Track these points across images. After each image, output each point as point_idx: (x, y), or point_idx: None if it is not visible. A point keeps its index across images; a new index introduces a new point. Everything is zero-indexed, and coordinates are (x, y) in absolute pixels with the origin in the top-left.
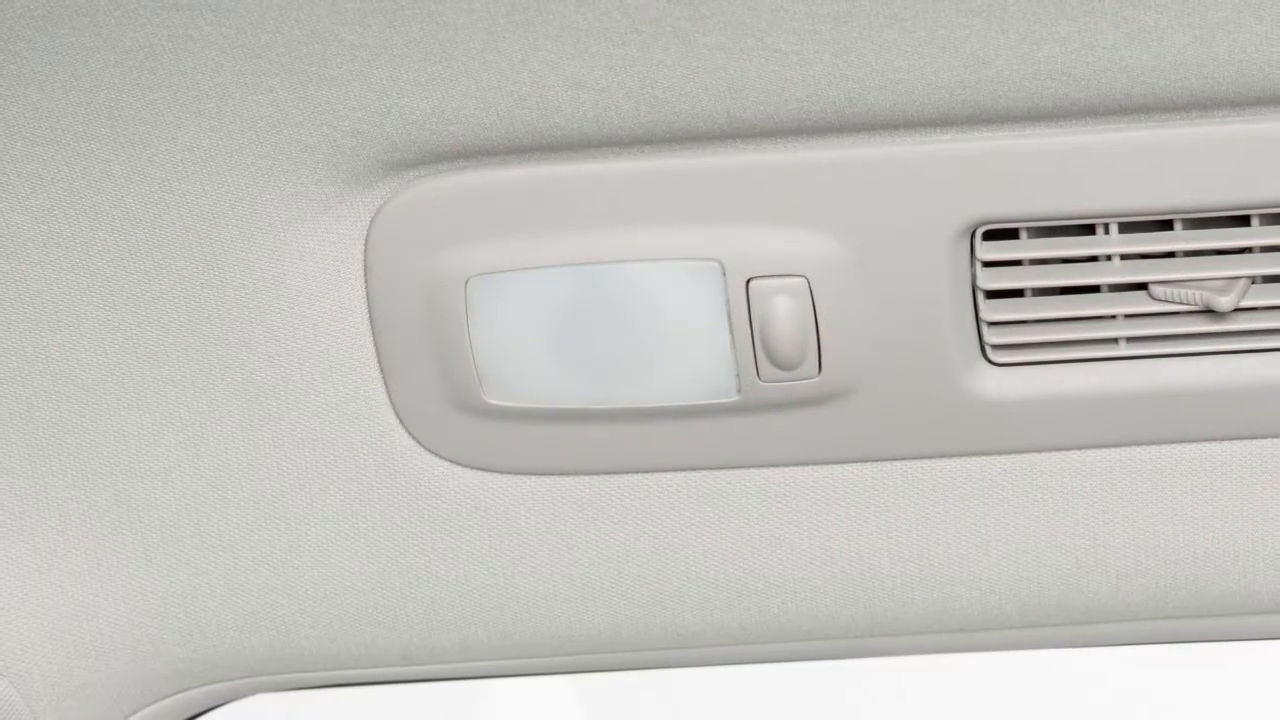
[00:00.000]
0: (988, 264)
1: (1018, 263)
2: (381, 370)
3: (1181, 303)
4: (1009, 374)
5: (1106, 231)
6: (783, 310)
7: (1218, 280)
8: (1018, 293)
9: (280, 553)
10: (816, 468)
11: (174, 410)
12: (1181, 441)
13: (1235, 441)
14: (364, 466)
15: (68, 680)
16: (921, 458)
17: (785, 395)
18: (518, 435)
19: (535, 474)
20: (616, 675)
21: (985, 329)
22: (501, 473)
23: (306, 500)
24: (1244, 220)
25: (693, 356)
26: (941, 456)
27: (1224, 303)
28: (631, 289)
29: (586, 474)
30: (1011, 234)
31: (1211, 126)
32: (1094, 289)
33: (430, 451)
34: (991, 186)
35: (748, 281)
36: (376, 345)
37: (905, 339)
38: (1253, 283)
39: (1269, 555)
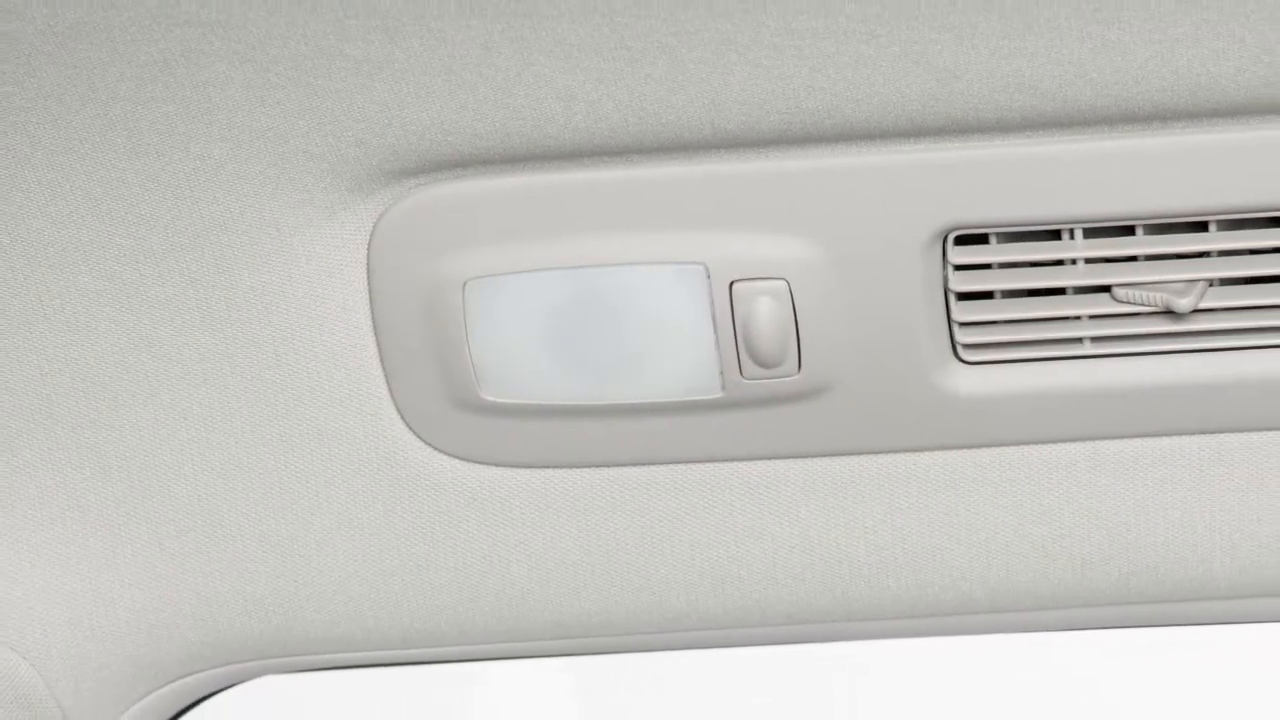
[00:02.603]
0: (959, 267)
1: (987, 266)
2: (383, 368)
3: (1143, 304)
4: (979, 372)
5: (1072, 236)
6: (764, 311)
7: (1177, 283)
8: (987, 295)
9: (287, 542)
10: (796, 461)
11: (186, 407)
12: (1142, 436)
13: (1193, 436)
14: (367, 460)
15: (85, 662)
16: (896, 451)
17: (767, 392)
18: (513, 430)
19: (530, 467)
20: (607, 657)
21: (956, 329)
22: (498, 466)
23: (312, 492)
24: (1202, 226)
25: (679, 355)
26: (915, 450)
27: (1183, 304)
28: (621, 291)
29: (578, 467)
30: (981, 239)
31: (1171, 136)
32: (1060, 291)
33: (430, 446)
34: (963, 194)
35: (731, 284)
36: (379, 344)
37: (881, 339)
38: (1210, 285)
39: (1225, 544)
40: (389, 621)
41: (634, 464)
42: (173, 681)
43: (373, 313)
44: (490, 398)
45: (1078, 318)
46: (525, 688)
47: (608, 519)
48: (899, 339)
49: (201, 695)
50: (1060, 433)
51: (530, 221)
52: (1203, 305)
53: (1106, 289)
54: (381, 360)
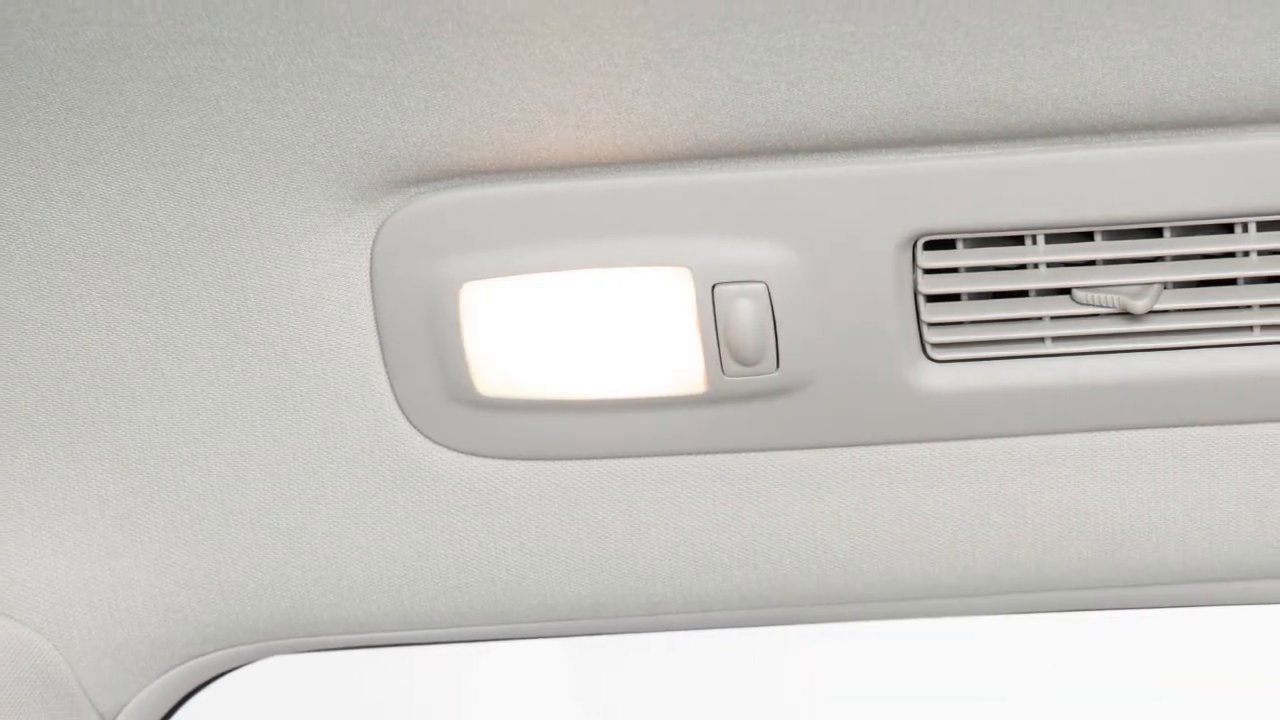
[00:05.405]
0: (928, 271)
1: (955, 270)
2: (385, 366)
3: (1101, 306)
4: (947, 370)
5: (1034, 242)
6: (744, 312)
7: (1133, 285)
8: (955, 297)
9: (295, 529)
10: (775, 454)
11: (200, 402)
12: (1101, 430)
13: (1148, 430)
14: (370, 452)
15: (105, 643)
16: (869, 445)
17: (747, 389)
18: (508, 424)
19: (523, 459)
20: (596, 638)
21: (926, 329)
22: (493, 458)
23: (318, 483)
24: (1157, 232)
25: (664, 353)
26: (887, 444)
27: (1139, 306)
28: (609, 293)
29: (569, 459)
30: (949, 244)
31: (1128, 148)
32: (1023, 293)
33: (429, 439)
34: (931, 202)
35: (713, 286)
36: (381, 343)
37: (854, 338)
38: (1165, 288)
39: (1178, 531)
40: (390, 605)
41: (621, 456)
42: (187, 661)
43: (375, 313)
44: (486, 393)
45: (1040, 318)
46: (518, 667)
47: (596, 508)
48: (871, 338)
49: (214, 674)
50: (1023, 427)
51: (524, 227)
52: (1158, 307)
53: (1067, 291)
54: (383, 358)
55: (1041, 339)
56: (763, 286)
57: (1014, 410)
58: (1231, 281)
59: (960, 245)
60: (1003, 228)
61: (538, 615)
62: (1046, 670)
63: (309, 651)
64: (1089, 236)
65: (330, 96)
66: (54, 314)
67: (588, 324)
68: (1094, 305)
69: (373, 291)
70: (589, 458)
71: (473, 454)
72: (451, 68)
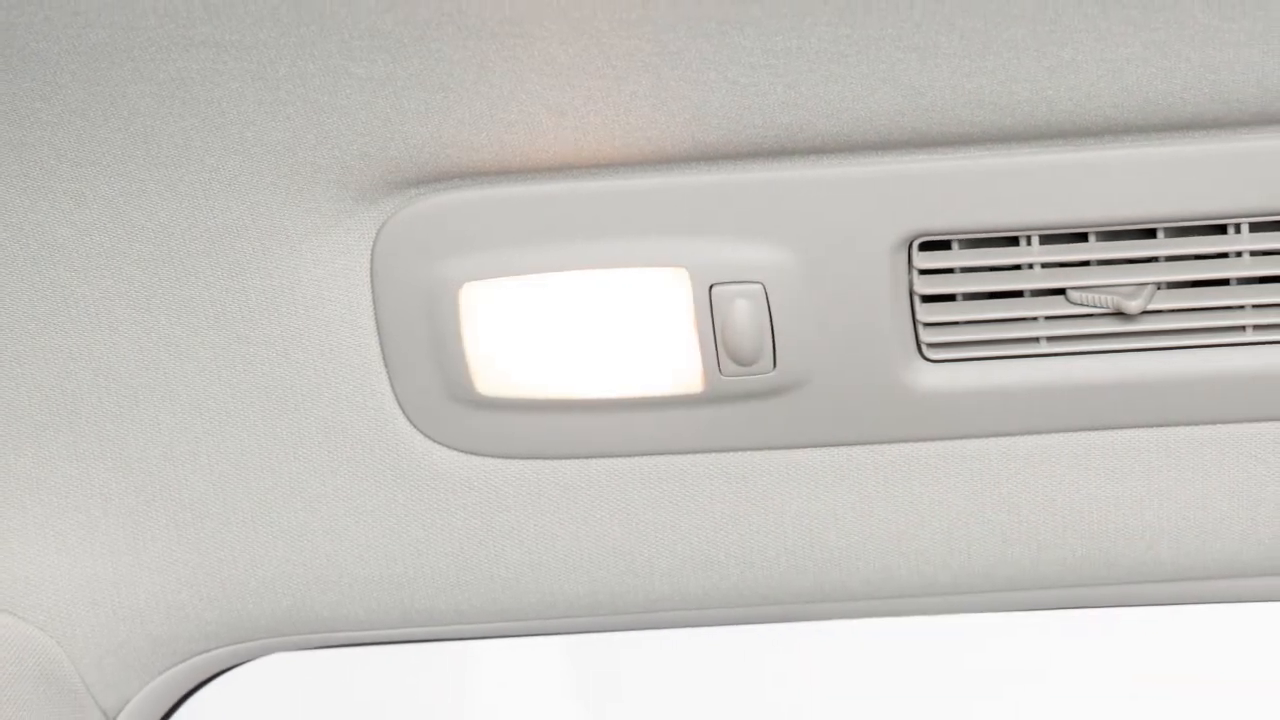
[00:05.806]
0: (924, 271)
1: (950, 270)
2: (386, 366)
3: (1095, 306)
4: (943, 369)
5: (1029, 243)
6: (742, 312)
7: (1127, 286)
8: (950, 297)
9: (296, 528)
10: (772, 452)
11: (201, 402)
12: (1095, 429)
13: (1142, 429)
14: (370, 451)
15: (107, 640)
16: (865, 443)
17: (744, 388)
18: (507, 423)
19: (522, 458)
20: (594, 636)
21: (921, 329)
22: (493, 457)
23: (319, 481)
24: (1151, 233)
25: (662, 353)
26: (882, 442)
27: (1133, 306)
28: (608, 293)
29: (568, 458)
30: (944, 245)
31: (1121, 149)
32: (1017, 294)
33: (429, 438)
34: (927, 203)
35: (711, 287)
36: (381, 343)
37: (850, 338)
38: (1158, 288)
39: (1171, 530)
40: (391, 602)
41: (620, 455)
42: (189, 658)
43: (376, 313)
44: (486, 393)
45: (1034, 319)
46: (516, 663)
47: (595, 507)
48: (867, 338)
49: (216, 671)
50: (1018, 426)
51: (523, 228)
52: (1151, 307)
53: (1061, 292)
54: (384, 358)
55: (1036, 339)
56: (760, 287)
57: (1008, 410)
58: (1225, 282)
59: (955, 246)
60: (998, 228)
61: (537, 613)
62: (1041, 668)
63: (310, 648)
64: (1083, 237)
65: (331, 99)
66: (56, 314)
67: (587, 324)
68: (1088, 305)
69: (373, 292)
70: (588, 457)
71: (472, 453)
72: (451, 70)
